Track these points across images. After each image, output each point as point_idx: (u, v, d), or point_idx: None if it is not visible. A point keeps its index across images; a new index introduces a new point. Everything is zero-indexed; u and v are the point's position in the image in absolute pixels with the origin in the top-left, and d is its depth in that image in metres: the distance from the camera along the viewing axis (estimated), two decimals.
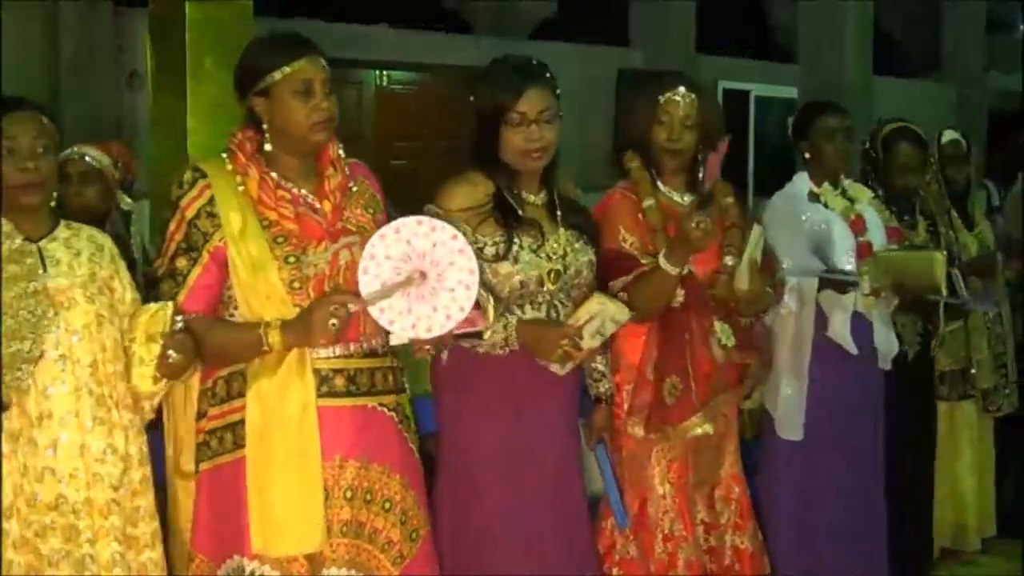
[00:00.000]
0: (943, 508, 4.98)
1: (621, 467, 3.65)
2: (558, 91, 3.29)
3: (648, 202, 3.63)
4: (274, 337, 2.75)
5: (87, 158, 4.18)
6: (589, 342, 3.20)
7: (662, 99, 3.64)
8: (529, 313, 3.24)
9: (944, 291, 4.20)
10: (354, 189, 3.00)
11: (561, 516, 3.35)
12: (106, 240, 2.96)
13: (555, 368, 3.28)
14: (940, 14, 14.36)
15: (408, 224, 2.75)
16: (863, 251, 4.22)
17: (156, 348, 2.76)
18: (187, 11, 5.56)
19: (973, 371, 5.02)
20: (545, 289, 3.25)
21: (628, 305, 3.27)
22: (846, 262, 4.18)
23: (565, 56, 10.08)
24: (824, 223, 4.20)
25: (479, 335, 3.11)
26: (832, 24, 9.48)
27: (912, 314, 4.55)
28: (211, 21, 5.56)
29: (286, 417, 2.79)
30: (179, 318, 2.74)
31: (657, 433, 3.61)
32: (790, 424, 4.14)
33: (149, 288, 3.03)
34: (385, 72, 10.80)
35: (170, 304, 2.79)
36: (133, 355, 2.82)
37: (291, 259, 2.80)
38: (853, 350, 4.17)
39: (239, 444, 2.82)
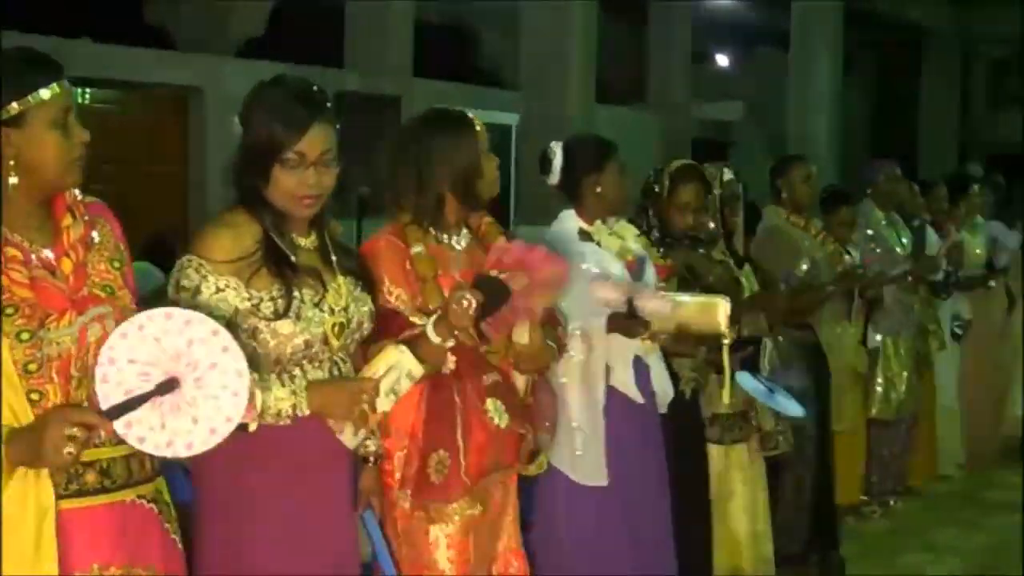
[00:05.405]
0: (720, 551, 4.89)
1: (397, 540, 3.28)
2: (338, 125, 2.90)
3: (417, 248, 3.31)
4: None
5: None
6: (384, 402, 2.89)
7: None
8: (311, 373, 2.84)
9: (728, 336, 4.11)
10: (96, 240, 2.49)
11: None
12: None
13: (346, 438, 2.91)
14: (645, 44, 14.69)
15: (156, 319, 2.25)
16: None
17: None
18: None
19: (752, 413, 4.95)
20: (328, 346, 2.87)
21: None
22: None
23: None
24: (600, 264, 4.04)
25: (244, 427, 2.60)
26: (556, 53, 9.51)
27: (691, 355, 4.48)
28: None
29: (24, 529, 2.26)
30: None
31: (422, 511, 3.28)
32: (591, 471, 3.98)
33: None
34: (86, 89, 10.08)
35: None
36: None
37: (25, 335, 2.28)
38: (639, 399, 4.07)
39: None
